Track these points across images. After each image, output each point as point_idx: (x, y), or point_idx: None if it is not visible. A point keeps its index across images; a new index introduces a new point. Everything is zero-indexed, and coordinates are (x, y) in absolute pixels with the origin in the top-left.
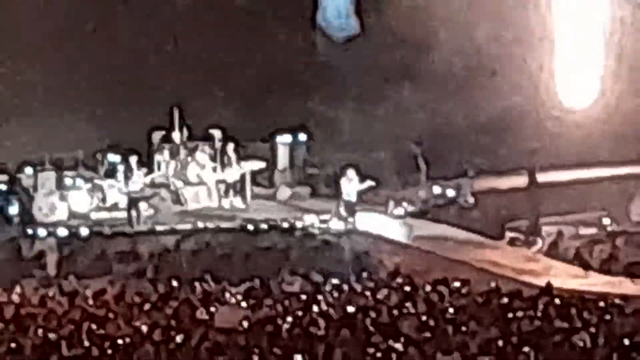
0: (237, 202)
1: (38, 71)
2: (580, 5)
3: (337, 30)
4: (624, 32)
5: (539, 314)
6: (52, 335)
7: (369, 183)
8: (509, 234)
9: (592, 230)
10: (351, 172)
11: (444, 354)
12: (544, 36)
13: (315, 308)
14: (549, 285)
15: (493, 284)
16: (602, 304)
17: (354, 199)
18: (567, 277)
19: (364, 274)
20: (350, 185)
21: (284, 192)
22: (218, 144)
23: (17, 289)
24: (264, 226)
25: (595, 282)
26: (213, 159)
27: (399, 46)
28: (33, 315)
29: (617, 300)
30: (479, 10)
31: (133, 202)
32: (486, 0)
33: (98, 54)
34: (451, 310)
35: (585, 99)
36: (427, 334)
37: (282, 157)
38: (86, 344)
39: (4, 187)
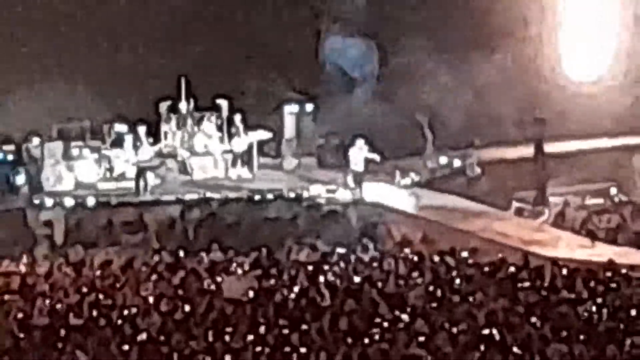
0: (244, 172)
1: (44, 41)
2: None
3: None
4: (633, 3)
5: (546, 284)
6: (59, 305)
7: (375, 155)
8: (516, 204)
9: (599, 201)
10: (360, 142)
11: (451, 325)
12: (549, 6)
13: (321, 278)
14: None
15: (500, 255)
16: (609, 274)
17: (361, 169)
18: (574, 248)
19: (371, 244)
20: (360, 155)
21: (291, 162)
22: (225, 114)
23: (24, 259)
24: (271, 196)
25: (602, 253)
26: (220, 129)
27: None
28: (40, 284)
29: (623, 270)
30: None
31: (140, 172)
32: None
33: (105, 24)
34: (458, 280)
35: (593, 71)
36: (434, 305)
37: (289, 127)
38: (93, 313)
39: (11, 156)
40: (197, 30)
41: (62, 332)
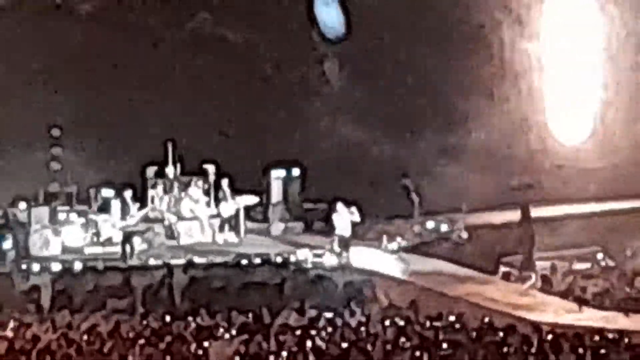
0: (231, 236)
1: (32, 105)
2: (572, 38)
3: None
4: (616, 66)
5: (533, 350)
6: None
7: (356, 217)
8: (503, 269)
9: (586, 265)
10: (340, 206)
11: None
12: (536, 70)
13: (309, 343)
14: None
15: (487, 319)
16: (597, 338)
17: (347, 234)
18: (561, 312)
19: (358, 309)
20: (342, 220)
21: (278, 227)
22: (212, 179)
23: (11, 324)
24: (258, 261)
25: (590, 317)
26: (207, 193)
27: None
28: (27, 350)
29: (611, 335)
30: (468, 42)
31: (127, 237)
32: (475, 33)
33: (91, 89)
34: (445, 345)
35: (579, 134)
36: None
37: (276, 192)
38: None
39: None
40: (184, 95)
41: None
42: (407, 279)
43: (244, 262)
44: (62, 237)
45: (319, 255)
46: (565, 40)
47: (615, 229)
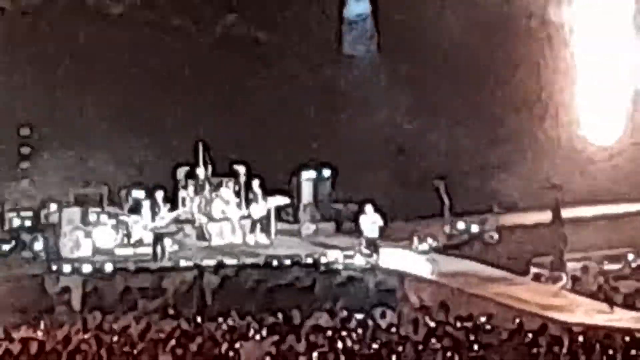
0: (262, 238)
1: (62, 107)
2: (605, 38)
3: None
4: None
5: (564, 351)
6: None
7: (379, 220)
8: (534, 270)
9: (617, 266)
10: (368, 208)
11: None
12: (568, 71)
13: (340, 344)
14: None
15: (518, 320)
16: (628, 338)
17: (375, 235)
18: (592, 313)
19: (389, 310)
20: (370, 222)
21: (308, 228)
22: (242, 180)
23: (42, 325)
24: (288, 262)
25: (621, 318)
26: (237, 194)
27: (417, 83)
28: (58, 351)
29: None
30: (501, 45)
31: (158, 238)
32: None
33: (123, 89)
34: (476, 346)
35: (611, 135)
36: None
37: (307, 193)
38: None
39: (29, 222)
40: (215, 96)
41: None
42: (438, 279)
43: (275, 263)
44: (93, 239)
45: (350, 257)
46: (598, 40)
47: None
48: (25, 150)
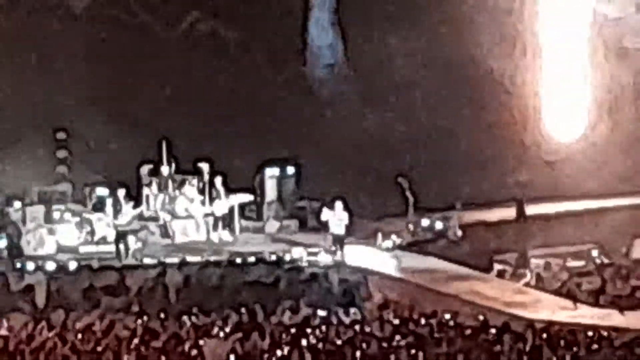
0: (225, 235)
1: (25, 103)
2: (566, 36)
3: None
4: (610, 63)
5: (528, 348)
6: None
7: (346, 217)
8: (498, 266)
9: (581, 263)
10: (338, 205)
11: None
12: (530, 68)
13: (304, 341)
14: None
15: (482, 317)
16: (590, 333)
17: (342, 232)
18: (555, 310)
19: (353, 307)
20: (336, 219)
21: (273, 225)
22: (206, 177)
23: (5, 323)
24: (252, 259)
25: (584, 315)
26: (201, 192)
27: (381, 78)
28: (21, 349)
29: (605, 333)
30: (464, 43)
31: (121, 236)
32: (472, 33)
33: (85, 88)
34: (440, 343)
35: (574, 132)
36: None
37: (271, 190)
38: None
39: None
40: (179, 93)
41: None
42: (402, 276)
43: (239, 260)
44: (57, 236)
45: (314, 254)
46: (560, 37)
47: (610, 226)
48: None
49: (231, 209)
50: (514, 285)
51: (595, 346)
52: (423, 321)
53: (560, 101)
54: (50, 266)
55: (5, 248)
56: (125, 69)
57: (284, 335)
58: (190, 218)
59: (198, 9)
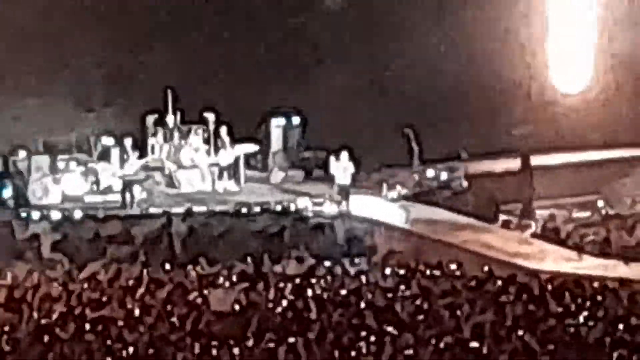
0: (231, 185)
1: (31, 55)
2: None
3: None
4: (617, 16)
5: (533, 298)
6: (45, 319)
7: (351, 167)
8: (503, 217)
9: (586, 214)
10: (344, 155)
11: (437, 338)
12: (536, 20)
13: (308, 291)
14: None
15: (486, 268)
16: (596, 284)
17: (347, 182)
18: (561, 261)
19: (357, 257)
20: (341, 168)
21: (278, 175)
22: (212, 127)
23: (10, 272)
24: (257, 209)
25: (589, 265)
26: (207, 142)
27: (387, 31)
28: (27, 298)
29: (610, 284)
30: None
31: (127, 185)
32: None
33: (92, 38)
34: (445, 293)
35: (579, 84)
36: (421, 318)
37: (276, 140)
38: (80, 327)
39: None
40: (184, 43)
41: (49, 345)
42: (407, 227)
43: (244, 210)
44: (62, 186)
45: (319, 204)
46: None
47: (616, 177)
48: None
49: (236, 159)
50: (519, 235)
51: (599, 297)
52: (428, 272)
53: (566, 52)
54: (56, 215)
55: (10, 197)
56: (133, 21)
57: (289, 285)
58: (195, 168)
59: None
